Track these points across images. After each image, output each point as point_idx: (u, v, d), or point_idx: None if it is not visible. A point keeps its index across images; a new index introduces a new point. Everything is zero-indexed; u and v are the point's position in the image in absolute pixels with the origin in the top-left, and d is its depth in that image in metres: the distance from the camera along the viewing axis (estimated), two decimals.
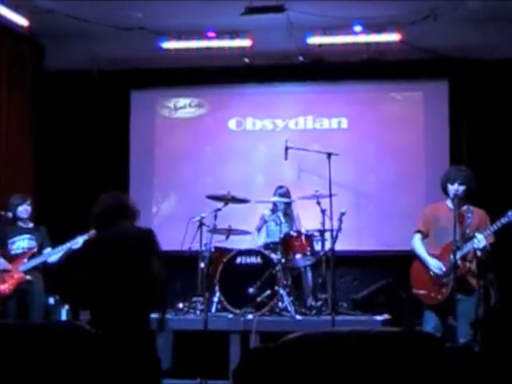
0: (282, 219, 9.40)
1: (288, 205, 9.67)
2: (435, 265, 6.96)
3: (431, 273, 6.99)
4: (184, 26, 10.11)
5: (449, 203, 7.08)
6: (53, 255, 8.30)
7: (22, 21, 9.66)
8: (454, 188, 6.94)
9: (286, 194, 9.65)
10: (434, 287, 6.98)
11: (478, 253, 6.82)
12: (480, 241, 6.77)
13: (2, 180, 10.04)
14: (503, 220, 6.78)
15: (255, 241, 9.61)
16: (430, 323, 7.00)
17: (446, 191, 7.07)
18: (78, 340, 3.27)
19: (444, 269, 6.90)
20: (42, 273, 8.42)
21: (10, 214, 8.39)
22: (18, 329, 3.47)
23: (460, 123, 10.60)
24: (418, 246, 7.17)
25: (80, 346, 3.21)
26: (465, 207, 7.01)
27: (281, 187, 9.68)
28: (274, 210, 9.66)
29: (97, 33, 10.06)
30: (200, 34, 10.32)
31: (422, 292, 7.06)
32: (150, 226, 10.81)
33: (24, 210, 8.43)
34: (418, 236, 7.20)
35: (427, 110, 10.88)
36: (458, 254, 6.76)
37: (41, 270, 8.40)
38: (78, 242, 8.18)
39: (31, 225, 8.55)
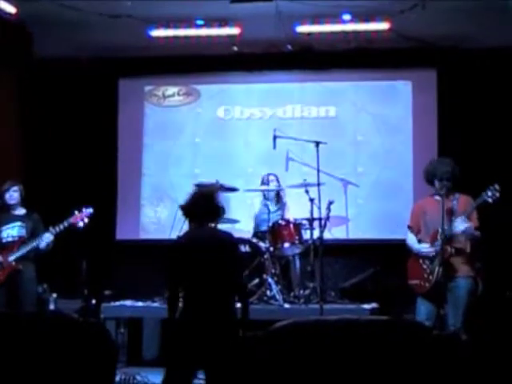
0: (272, 208, 9.41)
1: (278, 192, 9.70)
2: (425, 245, 7.18)
3: (421, 261, 7.16)
4: (172, 14, 10.06)
5: (435, 196, 7.25)
6: (39, 243, 8.26)
7: (9, 8, 9.60)
8: (442, 184, 7.08)
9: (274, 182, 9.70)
10: (423, 276, 7.09)
11: (461, 238, 7.00)
12: (458, 225, 6.89)
13: None
14: (478, 200, 6.99)
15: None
16: (423, 312, 7.12)
17: (431, 183, 7.24)
18: (66, 329, 3.27)
19: (432, 248, 7.10)
20: (33, 261, 8.40)
21: None
22: (3, 318, 3.46)
23: (448, 112, 10.62)
24: (409, 238, 7.42)
25: (68, 336, 3.21)
26: (450, 195, 7.15)
27: (269, 174, 9.74)
28: (262, 200, 9.72)
29: (85, 20, 9.99)
30: (189, 22, 10.28)
31: (414, 282, 7.25)
32: (137, 217, 11.00)
33: (10, 196, 8.34)
34: (409, 232, 7.46)
35: (415, 99, 10.89)
36: (441, 240, 6.97)
37: (32, 258, 8.37)
38: (47, 237, 8.18)
39: (23, 211, 8.48)
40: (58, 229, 8.24)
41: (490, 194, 6.93)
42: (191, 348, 5.45)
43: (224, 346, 5.39)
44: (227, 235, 5.91)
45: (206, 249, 5.66)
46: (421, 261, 7.19)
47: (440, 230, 6.97)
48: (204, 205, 5.80)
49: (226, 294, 5.65)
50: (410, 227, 7.46)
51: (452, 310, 6.94)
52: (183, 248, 5.76)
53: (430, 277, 7.05)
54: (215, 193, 6.00)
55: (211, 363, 5.43)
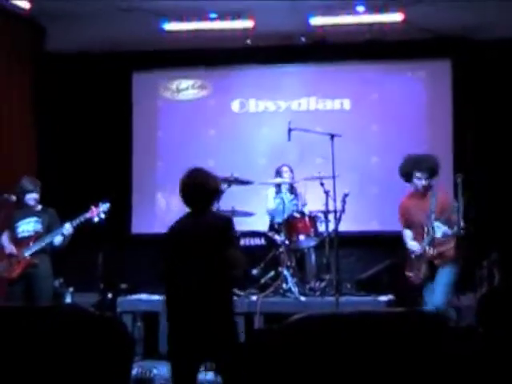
0: (286, 199, 9.39)
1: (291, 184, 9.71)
2: (413, 245, 7.49)
3: (412, 255, 7.49)
4: (186, 8, 10.07)
5: (415, 194, 7.61)
6: (54, 237, 8.27)
7: (23, 3, 9.63)
8: (422, 183, 7.43)
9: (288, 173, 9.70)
10: (417, 269, 7.47)
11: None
12: (437, 231, 7.18)
13: (4, 161, 10.04)
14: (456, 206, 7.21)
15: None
16: (430, 302, 7.31)
17: (408, 179, 7.60)
18: (82, 323, 3.28)
19: (419, 250, 7.42)
20: (49, 255, 8.40)
21: (13, 198, 8.33)
22: (20, 312, 3.47)
23: (463, 103, 10.58)
24: (405, 233, 7.69)
25: (84, 330, 3.22)
26: (429, 192, 7.31)
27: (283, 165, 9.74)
28: (277, 192, 9.70)
29: (98, 14, 10.02)
30: (202, 16, 10.28)
31: (410, 274, 7.57)
32: (152, 210, 11.01)
33: (32, 198, 8.32)
34: (405, 230, 7.71)
35: (430, 90, 10.86)
36: (426, 240, 7.30)
37: (48, 252, 8.37)
38: (67, 228, 8.18)
39: (39, 207, 8.44)
40: (75, 223, 8.23)
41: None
42: (189, 341, 5.42)
43: (222, 340, 5.37)
44: (220, 220, 5.82)
45: (194, 237, 5.59)
46: (412, 253, 7.53)
47: (426, 230, 7.31)
48: (190, 191, 5.97)
49: (218, 284, 5.48)
50: (404, 226, 7.74)
51: (437, 291, 7.30)
52: (173, 236, 5.77)
53: (420, 274, 7.45)
54: (200, 178, 6.08)
55: (212, 355, 5.46)
